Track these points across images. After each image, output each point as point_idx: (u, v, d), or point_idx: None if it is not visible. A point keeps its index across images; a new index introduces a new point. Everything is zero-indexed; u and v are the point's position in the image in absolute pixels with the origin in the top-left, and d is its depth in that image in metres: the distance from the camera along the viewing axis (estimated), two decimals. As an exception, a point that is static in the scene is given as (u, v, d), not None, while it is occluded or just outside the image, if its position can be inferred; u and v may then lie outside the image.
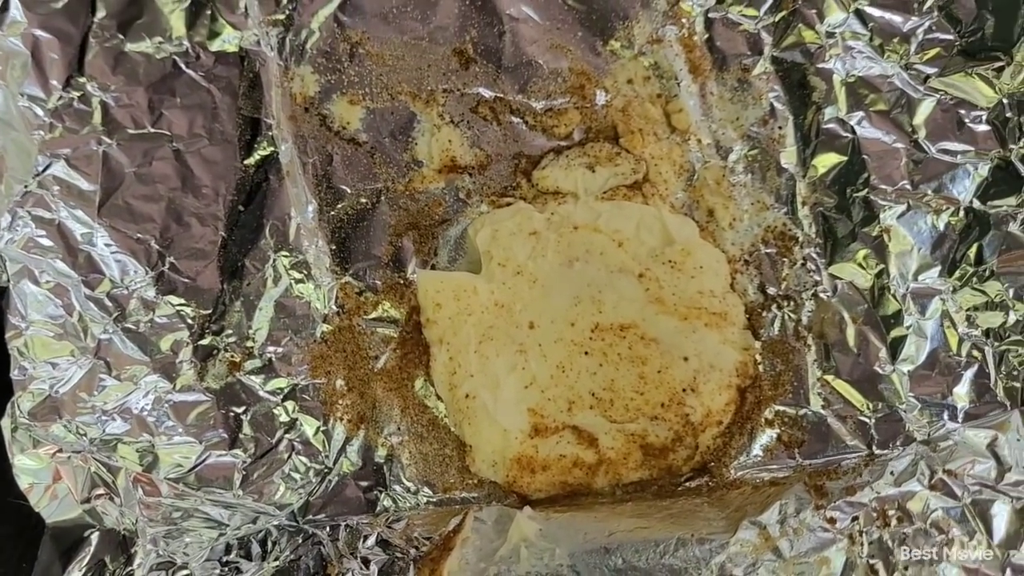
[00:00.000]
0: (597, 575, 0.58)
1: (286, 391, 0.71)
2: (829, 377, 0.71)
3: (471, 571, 0.59)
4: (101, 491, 0.65)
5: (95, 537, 0.66)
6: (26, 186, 0.71)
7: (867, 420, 0.69)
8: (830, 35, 0.75)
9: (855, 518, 0.59)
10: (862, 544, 0.58)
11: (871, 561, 0.58)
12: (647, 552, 0.59)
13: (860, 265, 0.72)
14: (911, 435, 0.67)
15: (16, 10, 0.73)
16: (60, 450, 0.64)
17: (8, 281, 0.68)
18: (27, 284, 0.68)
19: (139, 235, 0.72)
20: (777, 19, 0.77)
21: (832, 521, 0.60)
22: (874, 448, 0.68)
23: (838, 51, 0.75)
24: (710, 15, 0.77)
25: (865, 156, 0.73)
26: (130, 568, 0.63)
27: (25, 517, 0.66)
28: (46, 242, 0.70)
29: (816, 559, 0.58)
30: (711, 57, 0.77)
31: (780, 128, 0.76)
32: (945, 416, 0.68)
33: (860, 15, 0.75)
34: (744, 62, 0.77)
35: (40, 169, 0.72)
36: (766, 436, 0.70)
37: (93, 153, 0.73)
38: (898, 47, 0.74)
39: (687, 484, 0.69)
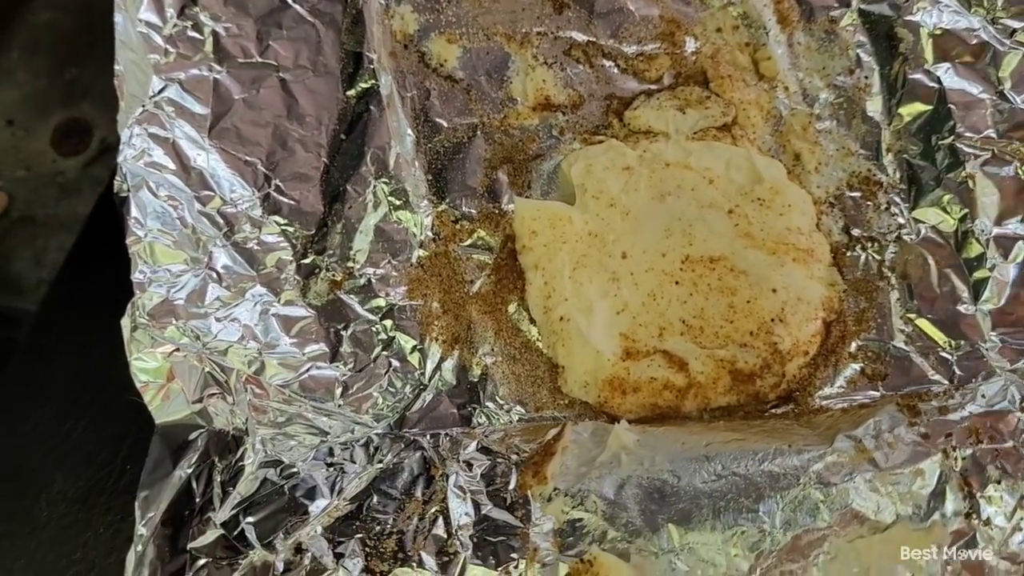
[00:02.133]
0: (697, 479, 0.60)
1: (384, 310, 0.73)
2: (912, 315, 0.72)
3: (572, 474, 0.61)
4: (214, 390, 0.68)
5: (203, 437, 0.68)
6: (143, 106, 0.74)
7: (949, 357, 0.71)
8: (919, -16, 0.78)
9: (948, 435, 0.61)
10: (955, 459, 0.60)
11: (964, 474, 0.60)
12: (746, 459, 0.61)
13: (944, 210, 0.74)
14: (993, 371, 0.69)
15: (137, -60, 0.76)
16: (177, 350, 0.67)
17: (129, 191, 0.70)
18: (146, 194, 0.71)
19: (247, 157, 0.75)
20: (867, -30, 0.79)
21: (926, 437, 0.61)
22: (955, 382, 0.70)
23: (925, 4, 0.77)
24: (796, -33, 0.80)
25: (951, 105, 0.75)
26: (241, 463, 0.65)
27: (134, 417, 0.69)
28: (161, 159, 0.73)
29: (911, 471, 0.59)
30: (799, 8, 0.80)
31: (866, 78, 0.78)
32: (1028, 354, 0.70)
33: (948, -30, 0.77)
34: (831, 14, 0.80)
35: (156, 91, 0.75)
36: (849, 369, 0.72)
37: (204, 79, 0.76)
38: (984, 1, 0.77)
39: (773, 411, 0.71)
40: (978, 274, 0.72)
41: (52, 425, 0.78)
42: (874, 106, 0.78)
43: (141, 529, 0.64)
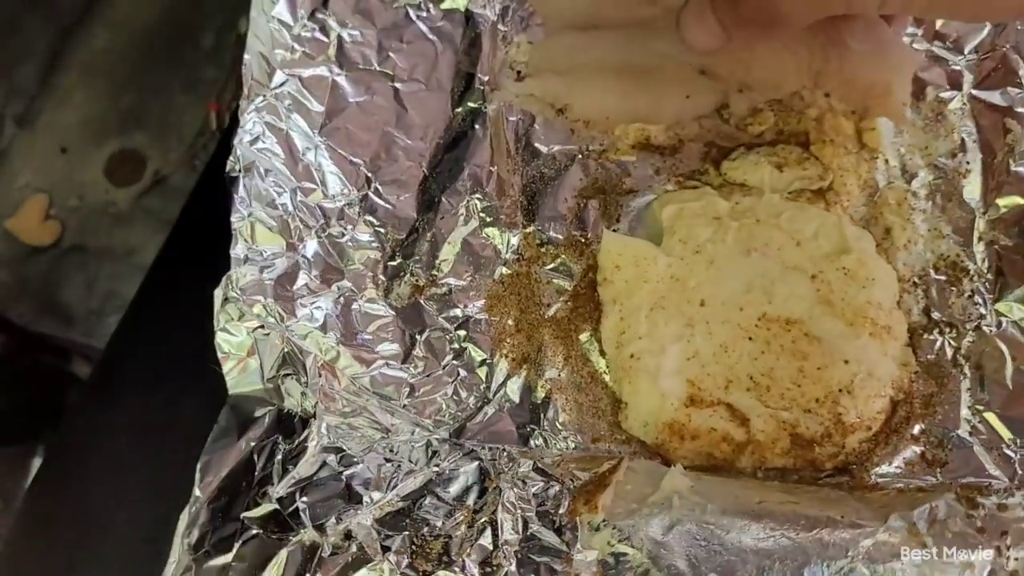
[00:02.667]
0: (746, 535, 0.60)
1: (460, 321, 0.75)
2: (980, 407, 0.72)
3: (623, 509, 0.62)
4: (290, 370, 0.71)
5: (271, 415, 0.71)
6: (264, 95, 0.78)
7: (1012, 454, 0.70)
8: (1034, 83, 0.78)
9: (1004, 532, 0.61)
10: (1008, 558, 0.60)
11: (1014, 575, 0.59)
12: (797, 523, 0.61)
13: (1028, 306, 0.73)
14: (1056, 475, 0.68)
15: (280, -57, 0.80)
16: (261, 327, 0.70)
17: (240, 172, 0.74)
18: (254, 177, 0.75)
19: (352, 158, 0.79)
20: (982, 59, 0.79)
21: (981, 531, 0.61)
22: (1015, 481, 0.69)
23: (1039, 101, 0.77)
24: (914, 46, 0.81)
25: (1050, 203, 0.75)
26: (305, 444, 0.67)
27: (212, 385, 0.72)
28: (273, 147, 0.77)
29: (961, 562, 0.59)
30: (911, 85, 0.80)
31: (968, 163, 0.78)
32: (1093, 465, 0.69)
33: (1067, 68, 0.77)
34: (941, 95, 0.80)
35: (278, 83, 0.79)
36: (910, 451, 0.71)
37: (324, 79, 0.80)
38: (1099, 106, 0.76)
39: (827, 479, 0.71)
40: (1056, 374, 0.71)
41: (117, 463, 0.79)
42: (972, 192, 0.77)
43: (198, 492, 0.67)
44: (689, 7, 0.67)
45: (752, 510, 0.62)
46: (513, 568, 0.61)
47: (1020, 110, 0.78)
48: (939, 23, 0.81)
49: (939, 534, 0.60)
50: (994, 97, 0.79)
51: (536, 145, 0.82)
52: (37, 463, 0.76)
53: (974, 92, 0.80)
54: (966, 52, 0.81)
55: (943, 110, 0.80)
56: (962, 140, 0.79)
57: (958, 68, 0.81)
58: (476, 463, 0.67)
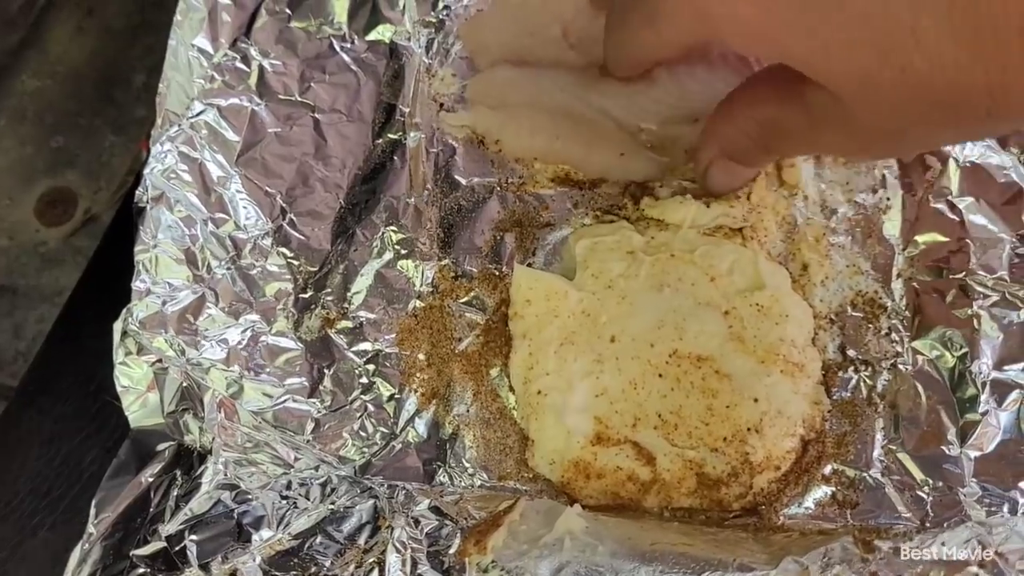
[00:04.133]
0: (633, 577, 0.59)
1: (370, 355, 0.75)
2: (894, 447, 0.71)
3: (514, 550, 0.61)
4: (187, 406, 0.70)
5: (170, 450, 0.70)
6: (179, 125, 0.78)
7: (924, 496, 0.69)
8: (952, 119, 0.77)
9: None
10: (901, 603, 0.58)
11: (907, 621, 0.58)
12: (686, 566, 0.60)
13: (945, 345, 0.72)
14: (967, 516, 0.67)
15: (204, -30, 0.80)
16: (159, 360, 0.69)
17: (148, 203, 0.74)
18: (163, 209, 0.74)
19: (268, 188, 0.78)
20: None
21: (874, 575, 0.60)
22: (927, 523, 0.68)
23: (960, 135, 0.76)
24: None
25: (968, 241, 0.74)
26: (198, 481, 0.66)
27: (111, 419, 0.71)
28: (186, 176, 0.77)
29: (851, 608, 0.58)
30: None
31: (888, 199, 0.78)
32: (1005, 508, 0.68)
33: (986, 108, 0.77)
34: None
35: (195, 113, 0.79)
36: (821, 491, 0.70)
37: (243, 109, 0.80)
38: (1022, 143, 0.76)
39: (735, 520, 0.70)
40: (969, 416, 0.70)
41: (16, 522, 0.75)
42: (891, 229, 0.77)
43: (91, 528, 0.66)
44: (715, 167, 0.71)
45: (643, 552, 0.61)
46: (397, 610, 0.60)
47: (942, 147, 0.77)
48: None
49: (830, 578, 0.59)
50: (916, 132, 0.78)
51: (455, 177, 0.81)
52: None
53: (897, 126, 0.79)
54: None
55: (865, 145, 0.79)
56: (883, 176, 0.79)
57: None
58: (372, 501, 0.66)
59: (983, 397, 0.70)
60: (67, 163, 0.95)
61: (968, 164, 0.76)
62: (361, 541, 0.64)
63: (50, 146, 0.95)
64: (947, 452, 0.70)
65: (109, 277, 0.76)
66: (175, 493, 0.67)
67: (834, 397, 0.73)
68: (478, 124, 0.82)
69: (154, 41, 0.98)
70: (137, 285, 0.71)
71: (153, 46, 0.98)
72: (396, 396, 0.74)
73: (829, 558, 0.60)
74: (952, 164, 0.77)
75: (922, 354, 0.73)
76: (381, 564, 0.62)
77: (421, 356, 0.75)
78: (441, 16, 0.86)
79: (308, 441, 0.71)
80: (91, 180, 0.93)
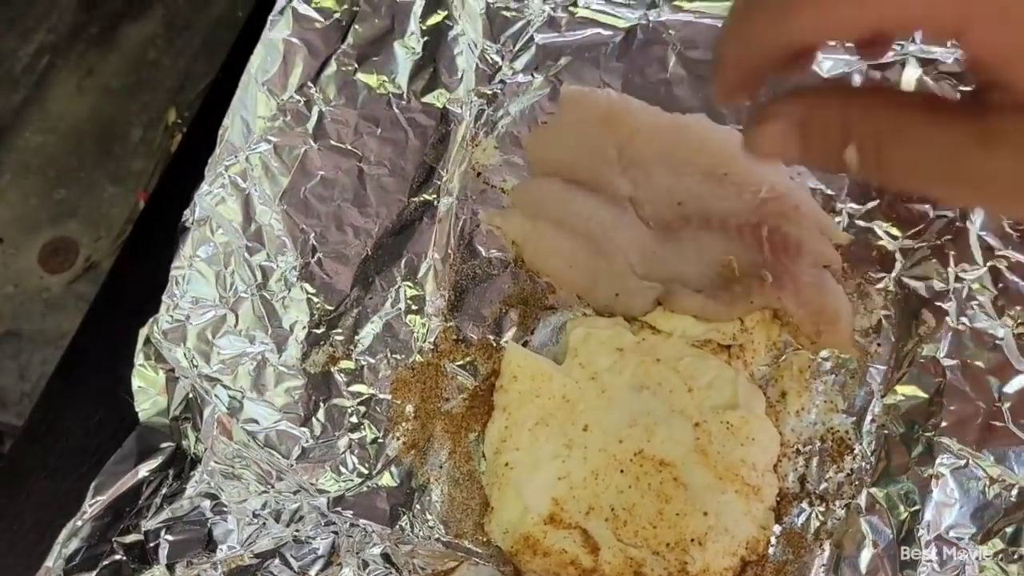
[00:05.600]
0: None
1: (364, 397, 0.81)
2: (831, 586, 0.73)
3: (443, 612, 0.66)
4: (188, 416, 0.77)
5: (169, 450, 0.77)
6: (236, 156, 0.85)
7: (845, 641, 0.71)
8: (959, 279, 0.79)
9: None
10: None
11: None
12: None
13: (900, 498, 0.75)
14: (882, 670, 0.69)
15: (287, 16, 0.88)
16: (173, 370, 0.77)
17: (192, 224, 0.81)
18: (206, 230, 0.82)
19: (304, 226, 0.85)
20: (916, 247, 0.82)
21: None
22: (840, 670, 0.70)
23: (960, 297, 0.79)
24: (856, 222, 0.83)
25: (945, 402, 0.76)
26: (184, 485, 0.74)
27: (123, 413, 0.79)
28: (232, 205, 0.84)
29: None
30: (843, 259, 0.83)
31: (879, 346, 0.80)
32: (924, 671, 0.70)
33: (994, 272, 0.79)
34: (870, 273, 0.82)
35: (252, 146, 0.86)
36: (751, 613, 0.73)
37: (297, 149, 0.87)
38: (1018, 315, 0.78)
39: (662, 624, 0.73)
40: (908, 572, 0.72)
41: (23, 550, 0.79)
42: (875, 375, 0.79)
43: (86, 506, 0.73)
44: (776, 125, 0.48)
45: (560, 641, 0.65)
46: (325, 648, 0.66)
47: (939, 304, 0.79)
48: (885, 203, 0.84)
49: None
50: (920, 287, 0.81)
51: (476, 246, 0.87)
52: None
53: (903, 278, 0.82)
54: (903, 236, 0.83)
55: (869, 289, 0.82)
56: (880, 322, 0.81)
57: (892, 251, 0.83)
58: (332, 537, 0.72)
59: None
60: (69, 214, 1.03)
61: (963, 327, 0.78)
62: (312, 573, 0.70)
63: (52, 198, 1.04)
64: (880, 603, 0.72)
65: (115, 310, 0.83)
66: (163, 492, 0.75)
67: (783, 525, 0.76)
68: (508, 227, 0.87)
69: (150, 99, 1.07)
70: (166, 298, 0.78)
71: (149, 103, 1.07)
72: (379, 440, 0.80)
73: None
74: (947, 323, 0.79)
75: (878, 502, 0.75)
76: (323, 599, 0.68)
77: (410, 408, 0.81)
78: (495, 89, 0.92)
79: (291, 465, 0.78)
80: (91, 229, 1.02)
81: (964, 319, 0.78)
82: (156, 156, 0.99)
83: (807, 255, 0.82)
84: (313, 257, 0.84)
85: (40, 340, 0.99)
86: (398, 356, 0.83)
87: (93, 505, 0.74)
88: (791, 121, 0.47)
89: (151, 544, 0.71)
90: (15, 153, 1.07)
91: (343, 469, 0.79)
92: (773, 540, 0.76)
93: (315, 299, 0.83)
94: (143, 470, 0.76)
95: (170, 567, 0.69)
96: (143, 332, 0.77)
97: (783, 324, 0.82)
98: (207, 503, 0.73)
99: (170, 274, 0.79)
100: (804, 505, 0.77)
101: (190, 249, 0.81)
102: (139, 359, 0.77)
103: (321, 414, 0.80)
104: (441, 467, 0.80)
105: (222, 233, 0.82)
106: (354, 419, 0.80)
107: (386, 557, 0.71)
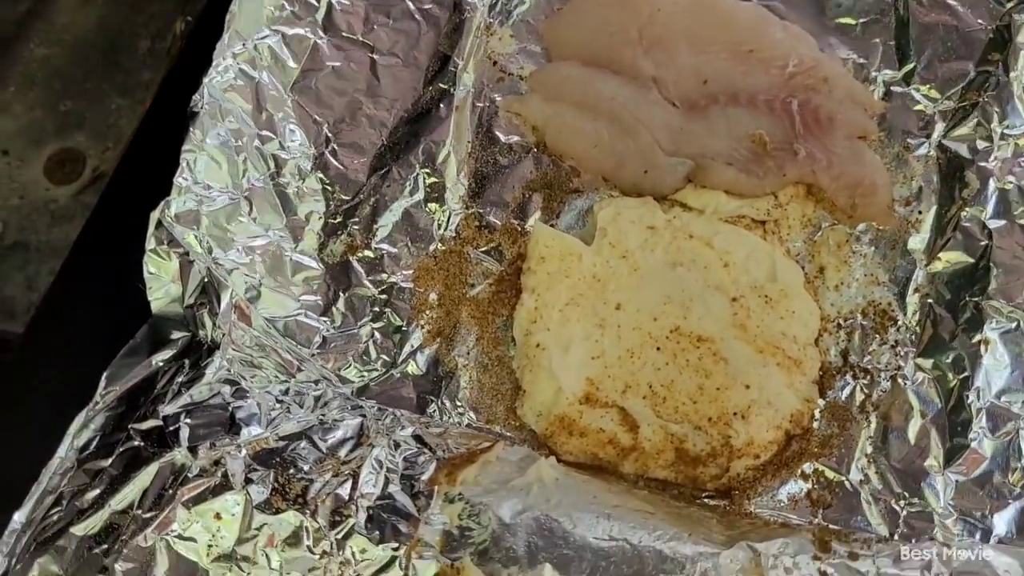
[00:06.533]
0: (591, 534, 0.60)
1: (385, 286, 0.78)
2: (878, 458, 0.70)
3: (483, 487, 0.63)
4: (204, 301, 0.74)
5: (183, 341, 0.74)
6: (244, 44, 0.82)
7: (898, 510, 0.68)
8: (1004, 137, 0.76)
9: (847, 581, 0.59)
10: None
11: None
12: (643, 532, 0.61)
13: (948, 366, 0.72)
14: (935, 537, 0.66)
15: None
16: (187, 254, 0.73)
17: (202, 109, 0.78)
18: (215, 117, 0.78)
19: (316, 116, 0.82)
20: (957, 108, 0.78)
21: (824, 575, 0.60)
22: (895, 536, 0.67)
23: (1006, 154, 0.76)
24: (892, 88, 0.80)
25: (992, 265, 0.73)
26: (203, 371, 0.70)
27: (133, 306, 0.75)
28: (242, 93, 0.80)
29: (793, 601, 0.58)
30: (878, 127, 0.80)
31: (919, 213, 0.77)
32: (978, 536, 0.67)
33: (1039, 140, 0.76)
34: (909, 141, 0.79)
35: (260, 36, 0.83)
36: (796, 487, 0.70)
37: (306, 39, 0.84)
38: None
39: (705, 500, 0.71)
40: (959, 440, 0.69)
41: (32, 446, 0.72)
42: (917, 243, 0.76)
43: (97, 398, 0.70)
44: None
45: (605, 512, 0.63)
46: (361, 521, 0.62)
47: (983, 164, 0.76)
48: (922, 66, 0.81)
49: (780, 569, 0.59)
50: (962, 148, 0.78)
51: (496, 133, 0.84)
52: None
53: (943, 141, 0.79)
54: (942, 98, 0.80)
55: (907, 157, 0.79)
56: (920, 189, 0.78)
57: (931, 115, 0.80)
58: (359, 419, 0.69)
59: (976, 424, 0.69)
60: (75, 125, 1.00)
61: (1009, 186, 0.75)
62: (342, 453, 0.67)
63: (58, 110, 1.00)
64: (930, 471, 0.69)
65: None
66: (180, 379, 0.71)
67: (827, 399, 0.73)
68: (528, 113, 0.84)
69: (157, 9, 1.03)
70: (179, 181, 0.75)
71: (157, 13, 1.03)
72: (403, 329, 0.77)
73: (783, 549, 0.60)
74: (992, 184, 0.75)
75: (924, 372, 0.72)
76: (355, 476, 0.65)
77: (433, 296, 0.78)
78: (509, -24, 0.88)
79: (313, 355, 0.75)
80: (99, 140, 0.98)
81: (1011, 178, 0.75)
82: (164, 67, 0.95)
83: (840, 127, 0.79)
84: (327, 147, 0.81)
85: (47, 251, 0.95)
86: (419, 244, 0.80)
87: (106, 395, 0.71)
88: None
89: (171, 428, 0.68)
90: (20, 65, 1.03)
91: (366, 358, 0.76)
92: (817, 414, 0.73)
93: (330, 189, 0.80)
94: (157, 360, 0.73)
95: (192, 449, 0.66)
96: (155, 215, 0.74)
97: (818, 200, 0.79)
98: (227, 389, 0.70)
99: (181, 157, 0.76)
100: (848, 379, 0.74)
101: (200, 134, 0.77)
102: (151, 243, 0.73)
103: (341, 304, 0.77)
104: (468, 353, 0.76)
105: (232, 120, 0.79)
106: (376, 308, 0.77)
107: (417, 438, 0.68)
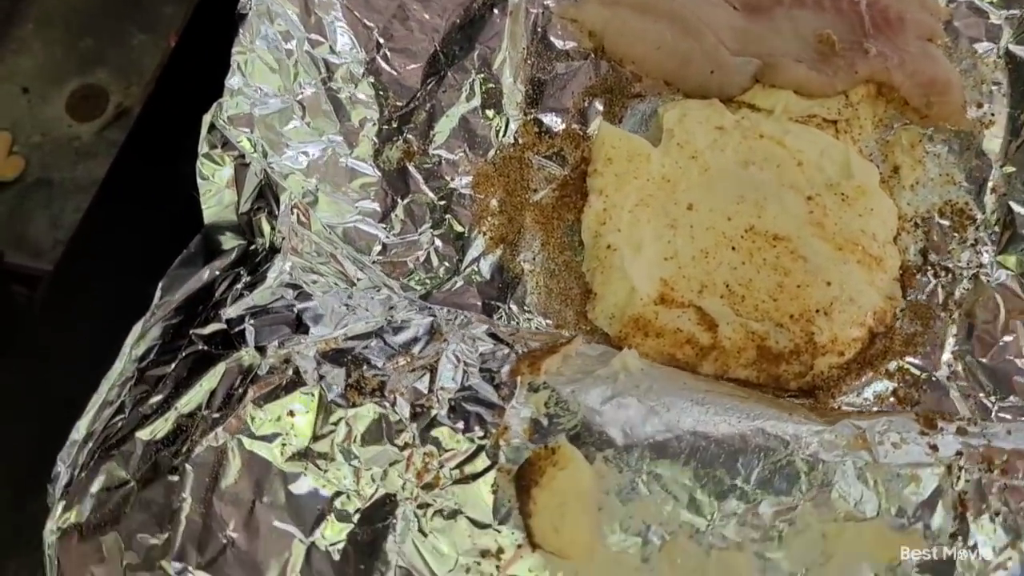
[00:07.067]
0: (686, 416, 0.58)
1: (444, 192, 0.75)
2: (965, 354, 0.68)
3: (567, 376, 0.61)
4: (262, 205, 0.70)
5: (239, 250, 0.71)
6: (289, -52, 0.78)
7: (990, 405, 0.66)
8: (1073, 41, 0.75)
9: (959, 453, 0.57)
10: (958, 478, 0.56)
11: (963, 496, 0.56)
12: (740, 414, 0.58)
13: (1032, 262, 0.70)
14: (1034, 429, 0.64)
15: None
16: (242, 157, 0.70)
17: (250, 10, 0.74)
18: (264, 19, 0.75)
19: (367, 21, 0.79)
20: (1022, 15, 0.77)
21: (935, 448, 0.57)
22: (990, 427, 0.65)
23: (1075, 58, 0.74)
24: (958, -2, 0.79)
25: (1071, 161, 0.72)
26: (263, 277, 0.67)
27: (183, 216, 0.72)
28: (290, -4, 0.77)
29: (908, 473, 0.55)
30: (945, 33, 0.78)
31: (992, 115, 0.76)
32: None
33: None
34: (976, 46, 0.78)
35: (306, -62, 0.79)
36: (882, 385, 0.68)
37: (356, -59, 0.80)
38: None
39: (789, 399, 0.68)
40: (1047, 333, 0.67)
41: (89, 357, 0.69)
42: (991, 144, 0.75)
43: (154, 308, 0.66)
44: None
45: (698, 397, 0.60)
46: (443, 412, 0.59)
47: (1062, 65, 0.75)
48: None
49: (888, 443, 0.57)
50: (1030, 53, 0.76)
51: (552, 39, 0.81)
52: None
53: (1010, 47, 0.77)
54: (1009, 8, 0.78)
55: (976, 61, 0.78)
56: (991, 91, 0.77)
57: (998, 23, 0.78)
58: (430, 319, 0.66)
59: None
60: (96, 62, 0.96)
61: (1084, 85, 0.74)
62: (416, 350, 0.64)
63: (78, 48, 0.97)
64: (1020, 365, 0.67)
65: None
66: (239, 286, 0.68)
67: (909, 298, 0.71)
68: (585, 17, 0.81)
69: None
70: (231, 83, 0.72)
71: None
72: (464, 235, 0.74)
73: (887, 427, 0.58)
74: (1066, 84, 0.74)
75: (1007, 269, 0.70)
76: (433, 370, 0.61)
77: (494, 202, 0.75)
78: None
79: (373, 262, 0.71)
80: (121, 77, 0.95)
81: (1086, 76, 0.74)
82: (186, 0, 0.92)
83: (911, 27, 0.77)
84: (379, 52, 0.78)
85: (72, 187, 0.92)
86: (477, 151, 0.77)
87: (162, 305, 0.67)
88: None
89: (235, 330, 0.64)
90: (37, 3, 0.99)
91: (428, 266, 0.73)
92: (899, 312, 0.70)
93: (384, 94, 0.77)
94: (212, 269, 0.69)
95: (260, 349, 0.62)
96: (207, 118, 0.70)
97: (889, 100, 0.77)
98: (290, 292, 0.67)
99: (231, 59, 0.72)
100: (929, 277, 0.72)
101: (250, 36, 0.74)
102: (203, 147, 0.70)
103: (400, 211, 0.74)
104: (534, 259, 0.74)
105: (281, 23, 0.75)
106: (436, 215, 0.74)
107: (493, 336, 0.65)
